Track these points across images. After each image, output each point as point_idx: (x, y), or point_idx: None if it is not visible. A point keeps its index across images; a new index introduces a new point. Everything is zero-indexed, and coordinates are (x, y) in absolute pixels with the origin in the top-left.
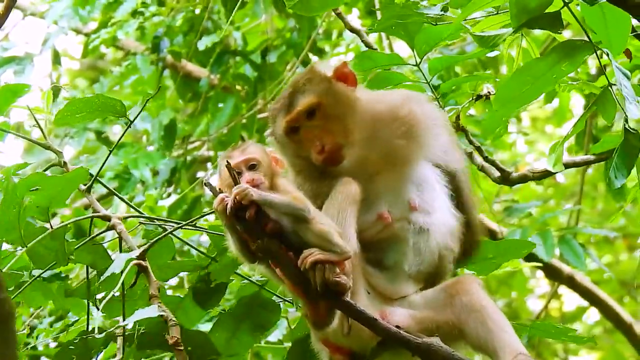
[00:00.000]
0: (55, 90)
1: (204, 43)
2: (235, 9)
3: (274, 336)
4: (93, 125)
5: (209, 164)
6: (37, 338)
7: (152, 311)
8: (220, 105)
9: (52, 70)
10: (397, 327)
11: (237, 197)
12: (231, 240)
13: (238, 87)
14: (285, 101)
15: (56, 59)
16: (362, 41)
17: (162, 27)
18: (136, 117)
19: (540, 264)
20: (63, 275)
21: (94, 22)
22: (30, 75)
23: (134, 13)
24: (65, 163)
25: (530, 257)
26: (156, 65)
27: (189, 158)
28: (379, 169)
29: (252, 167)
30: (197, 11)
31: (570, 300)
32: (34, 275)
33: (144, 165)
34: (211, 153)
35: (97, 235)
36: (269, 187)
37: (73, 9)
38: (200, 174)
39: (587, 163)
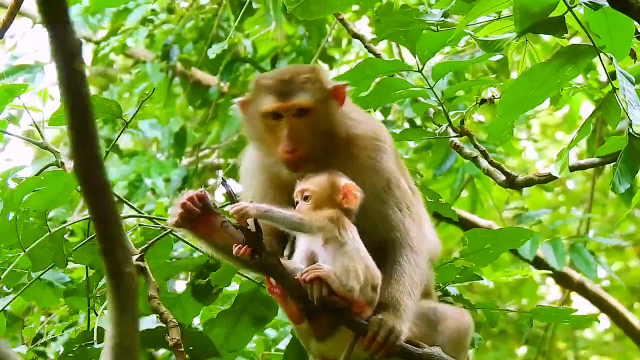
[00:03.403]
0: None
1: (213, 51)
2: (240, 14)
3: (284, 344)
4: (103, 133)
5: (219, 172)
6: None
7: (150, 322)
8: (231, 112)
9: None
10: None
11: (235, 216)
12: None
13: None
14: (279, 85)
15: None
16: (365, 47)
17: (172, 35)
18: (133, 116)
19: (550, 272)
20: (68, 279)
21: (104, 30)
22: (40, 83)
23: (144, 21)
24: (62, 163)
25: (541, 265)
26: (166, 73)
27: (199, 166)
28: None
29: (306, 198)
30: (207, 18)
31: (580, 307)
32: (33, 277)
33: (156, 174)
34: (221, 161)
35: (95, 236)
36: None
37: (83, 17)
38: (211, 182)
39: (593, 166)
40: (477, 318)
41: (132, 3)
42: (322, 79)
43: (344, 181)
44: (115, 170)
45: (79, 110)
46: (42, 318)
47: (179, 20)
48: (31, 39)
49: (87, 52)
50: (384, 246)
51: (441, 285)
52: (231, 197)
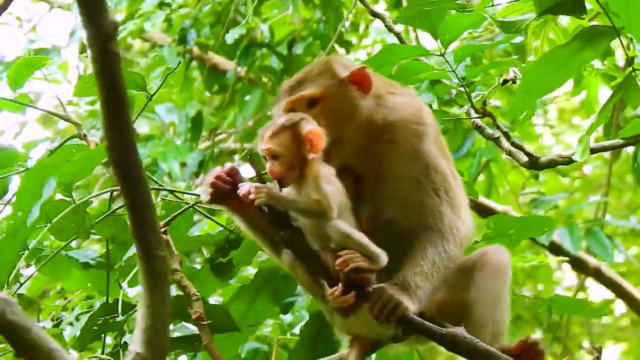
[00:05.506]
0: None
1: (230, 35)
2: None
3: (299, 329)
4: None
5: (236, 156)
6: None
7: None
8: (247, 97)
9: (79, 62)
10: (421, 314)
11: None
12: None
13: (264, 79)
14: (294, 84)
15: (83, 51)
16: (386, 26)
17: (189, 19)
18: (157, 90)
19: (566, 258)
20: (96, 256)
21: (121, 13)
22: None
23: (161, 5)
24: (85, 135)
25: (557, 251)
26: (183, 57)
27: (216, 150)
28: (363, 177)
29: (274, 157)
30: (224, 2)
31: (596, 292)
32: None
33: (172, 159)
34: (238, 145)
35: (117, 209)
36: (298, 176)
37: None
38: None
39: (615, 147)
40: None
41: None
42: (334, 68)
43: (306, 128)
44: None
45: (112, 89)
46: (58, 302)
47: (196, 4)
48: (49, 23)
49: None
50: (417, 231)
51: None
52: (259, 177)
